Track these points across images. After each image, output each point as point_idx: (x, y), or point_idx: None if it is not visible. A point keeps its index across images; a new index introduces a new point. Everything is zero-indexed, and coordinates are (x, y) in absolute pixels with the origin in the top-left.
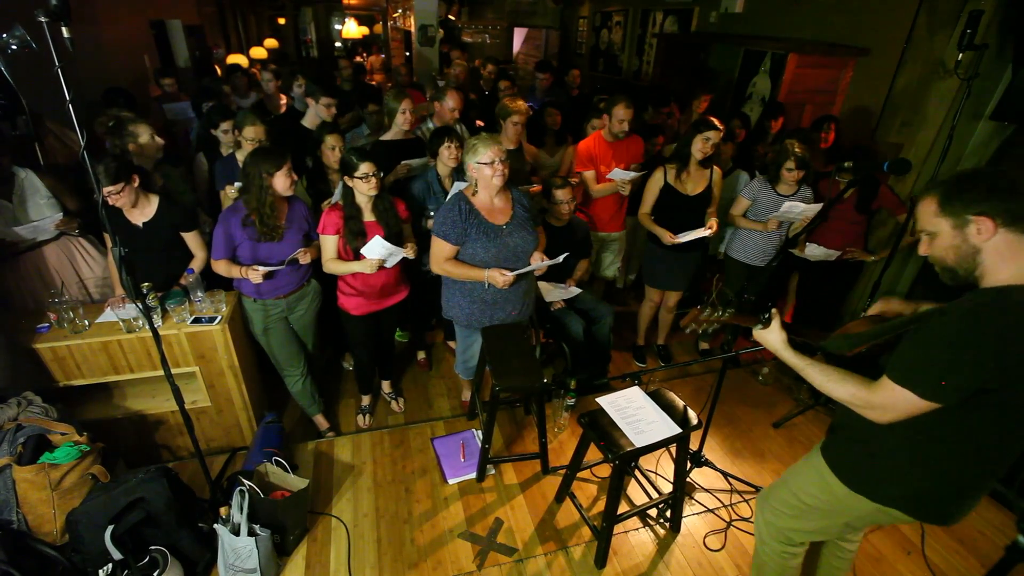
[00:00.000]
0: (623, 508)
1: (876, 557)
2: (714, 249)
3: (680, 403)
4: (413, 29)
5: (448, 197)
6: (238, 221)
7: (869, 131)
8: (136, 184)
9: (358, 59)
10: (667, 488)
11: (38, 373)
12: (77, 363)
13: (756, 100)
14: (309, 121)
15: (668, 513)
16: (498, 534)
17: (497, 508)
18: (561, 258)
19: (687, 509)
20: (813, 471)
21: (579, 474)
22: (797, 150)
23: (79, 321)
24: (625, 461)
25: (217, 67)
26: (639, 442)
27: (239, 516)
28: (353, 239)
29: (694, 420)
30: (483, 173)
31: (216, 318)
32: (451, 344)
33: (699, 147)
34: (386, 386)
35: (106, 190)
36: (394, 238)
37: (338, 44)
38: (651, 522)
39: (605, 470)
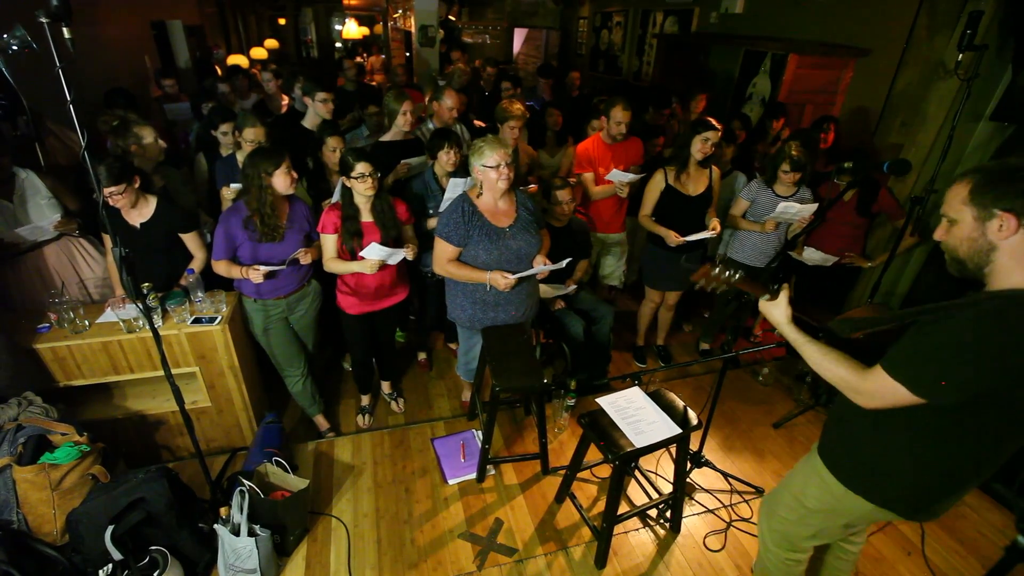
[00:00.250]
0: (623, 508)
1: (876, 558)
2: (713, 251)
3: (680, 403)
4: (413, 30)
5: (445, 194)
6: (239, 221)
7: (869, 132)
8: (136, 185)
9: (358, 59)
10: (667, 488)
11: (38, 373)
12: (77, 363)
13: (756, 101)
14: (309, 122)
15: (668, 513)
16: (498, 534)
17: (497, 508)
18: (564, 263)
19: (687, 509)
20: (812, 471)
21: (579, 474)
22: (794, 152)
23: (79, 321)
24: (625, 461)
25: (217, 67)
26: (639, 442)
27: (239, 516)
28: (350, 239)
29: (694, 420)
30: (488, 176)
31: (216, 318)
32: (451, 346)
33: (698, 148)
34: (386, 386)
35: (107, 190)
36: (392, 241)
37: (338, 44)
38: (651, 522)
39: (605, 470)
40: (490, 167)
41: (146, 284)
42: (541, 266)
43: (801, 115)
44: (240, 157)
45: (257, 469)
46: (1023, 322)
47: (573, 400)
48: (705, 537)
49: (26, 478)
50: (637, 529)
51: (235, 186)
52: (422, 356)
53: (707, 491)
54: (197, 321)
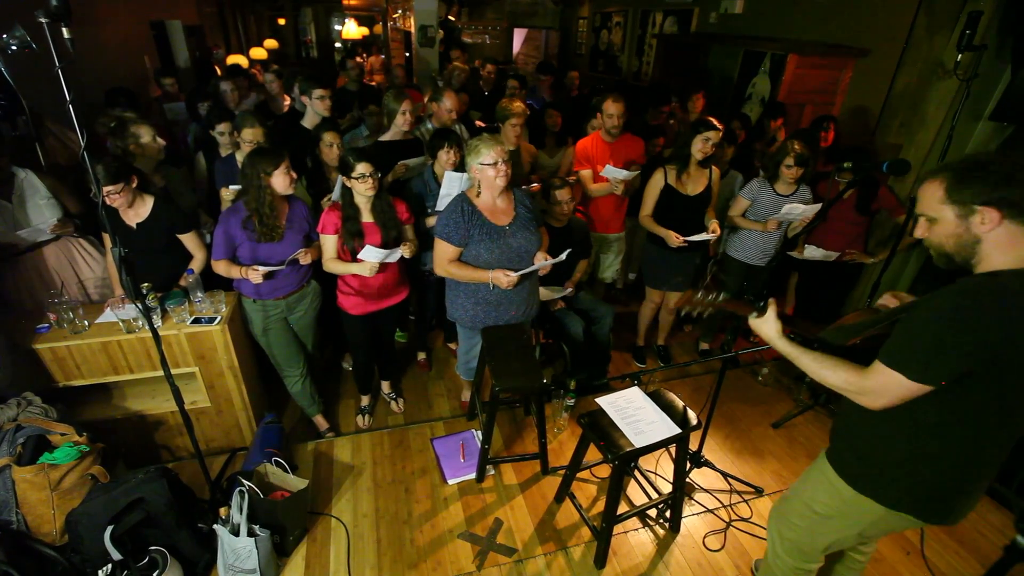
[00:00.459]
0: (623, 508)
1: (876, 558)
2: (715, 249)
3: (680, 403)
4: (413, 30)
5: (442, 189)
6: (238, 221)
7: (869, 132)
8: (134, 185)
9: (358, 60)
10: (667, 488)
11: (38, 373)
12: (77, 363)
13: (756, 101)
14: (308, 121)
15: (668, 513)
16: (498, 534)
17: (497, 508)
18: (564, 255)
19: (687, 509)
20: (821, 477)
21: (579, 474)
22: (797, 148)
23: (79, 321)
24: (625, 461)
25: (217, 67)
26: (639, 442)
27: (239, 516)
28: (351, 239)
29: (694, 420)
30: (486, 174)
31: (216, 319)
32: (451, 346)
33: (699, 147)
34: (386, 386)
35: (105, 189)
36: (392, 241)
37: (338, 45)
38: (651, 522)
39: (605, 470)
40: (488, 165)
41: (145, 284)
42: (542, 261)
43: (801, 115)
44: (239, 157)
45: (257, 469)
46: (1000, 297)
47: (573, 400)
48: (705, 537)
49: (25, 478)
50: (637, 529)
51: (234, 188)
52: (422, 356)
53: (707, 491)
54: (197, 321)
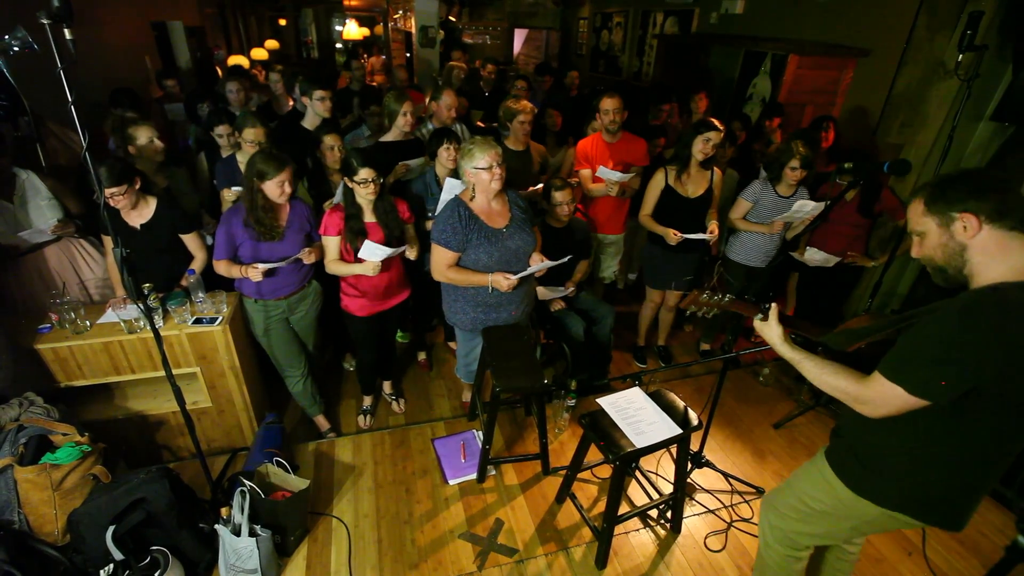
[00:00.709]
0: (624, 509)
1: (877, 558)
2: (717, 248)
3: (681, 404)
4: (414, 30)
5: (442, 195)
6: (239, 221)
7: (869, 132)
8: (137, 186)
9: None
10: (668, 489)
11: (40, 374)
12: (78, 364)
13: (757, 101)
14: (309, 122)
15: (669, 514)
16: (499, 535)
17: (498, 509)
18: (566, 259)
19: (688, 510)
20: (818, 475)
21: (580, 475)
22: (801, 149)
23: (80, 322)
24: (626, 462)
25: (218, 68)
26: (640, 443)
27: (240, 516)
28: (354, 238)
29: (695, 421)
30: (481, 178)
31: (217, 319)
32: (451, 345)
33: (699, 148)
34: (387, 387)
35: (108, 191)
36: (394, 241)
37: (339, 45)
38: (652, 523)
39: (606, 471)
40: (482, 168)
41: (147, 285)
42: (540, 264)
43: (801, 115)
44: (240, 158)
45: (258, 469)
46: (1006, 312)
47: (573, 400)
48: (706, 537)
49: (27, 478)
50: (638, 529)
51: (236, 189)
52: (422, 356)
53: (708, 491)
54: (198, 321)
